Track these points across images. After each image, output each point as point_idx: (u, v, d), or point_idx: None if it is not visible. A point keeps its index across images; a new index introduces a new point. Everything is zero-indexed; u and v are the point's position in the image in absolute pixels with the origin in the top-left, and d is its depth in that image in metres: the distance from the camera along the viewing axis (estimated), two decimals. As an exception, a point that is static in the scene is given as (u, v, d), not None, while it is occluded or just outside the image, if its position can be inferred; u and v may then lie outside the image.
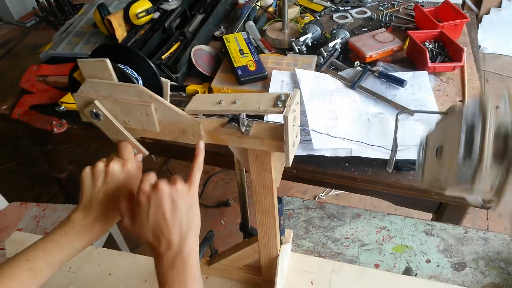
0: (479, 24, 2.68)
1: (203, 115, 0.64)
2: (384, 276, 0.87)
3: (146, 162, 2.23)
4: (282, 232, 0.85)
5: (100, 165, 0.60)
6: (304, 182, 1.18)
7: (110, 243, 1.52)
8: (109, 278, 0.94)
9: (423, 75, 1.16)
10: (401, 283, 0.85)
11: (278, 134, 0.58)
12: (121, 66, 0.67)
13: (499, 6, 2.67)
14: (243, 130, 0.60)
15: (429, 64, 1.16)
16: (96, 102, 0.58)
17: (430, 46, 1.25)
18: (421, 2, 1.54)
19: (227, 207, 1.97)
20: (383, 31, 1.34)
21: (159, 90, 0.73)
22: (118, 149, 0.63)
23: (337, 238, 0.97)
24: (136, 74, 0.69)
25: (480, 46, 2.73)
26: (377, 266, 0.92)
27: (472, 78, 1.21)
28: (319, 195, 2.00)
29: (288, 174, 1.09)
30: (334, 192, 2.02)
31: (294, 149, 0.61)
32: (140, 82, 0.70)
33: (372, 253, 0.94)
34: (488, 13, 2.65)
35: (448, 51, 1.23)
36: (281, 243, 0.85)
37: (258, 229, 0.76)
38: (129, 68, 0.69)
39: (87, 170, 0.60)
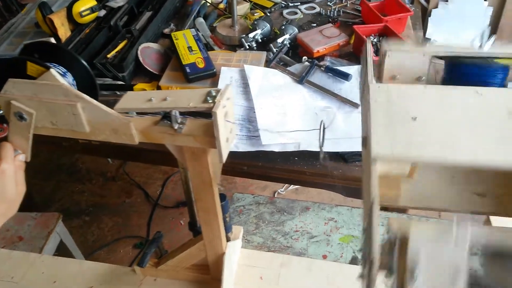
0: (429, 18, 2.77)
1: (137, 113, 0.63)
2: (331, 266, 0.89)
3: (103, 165, 2.18)
4: (229, 229, 0.85)
5: None
6: (256, 178, 1.18)
7: (63, 251, 1.47)
8: (54, 286, 0.91)
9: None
10: (348, 273, 0.87)
11: (211, 130, 0.58)
12: (49, 64, 0.64)
13: (446, 0, 2.77)
14: (176, 128, 0.59)
15: (373, 58, 1.18)
16: (14, 102, 0.56)
17: (375, 40, 1.28)
18: (368, -3, 1.57)
19: (186, 207, 1.95)
20: (330, 26, 1.36)
21: (94, 90, 0.71)
22: None
23: (287, 232, 0.98)
24: (63, 72, 0.66)
25: (430, 39, 2.83)
26: (324, 257, 0.93)
27: (415, 70, 1.24)
28: (279, 191, 2.02)
29: (239, 171, 1.09)
30: (293, 186, 2.05)
31: (228, 144, 0.60)
32: (70, 80, 0.67)
33: (320, 244, 0.95)
34: (436, 6, 2.74)
35: (392, 45, 1.26)
36: (228, 240, 0.85)
37: (202, 228, 0.76)
38: (58, 67, 0.67)
39: None
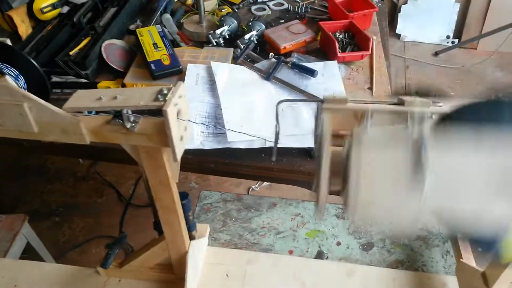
0: (399, 14, 2.82)
1: (88, 112, 0.62)
2: (297, 262, 0.89)
3: (73, 165, 2.14)
4: (192, 228, 0.84)
5: None
6: (224, 175, 1.18)
7: (32, 253, 1.44)
8: (14, 290, 0.88)
9: (333, 64, 1.19)
10: (313, 267, 0.88)
11: (164, 129, 0.57)
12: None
13: (416, -5, 2.82)
14: (128, 127, 0.58)
15: (339, 54, 1.19)
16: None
17: (341, 36, 1.29)
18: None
19: (159, 205, 1.93)
20: (296, 22, 1.36)
21: (45, 90, 0.69)
22: None
23: (254, 229, 0.98)
24: (16, 74, 0.64)
25: (400, 35, 2.88)
26: (291, 252, 0.94)
27: (381, 65, 1.26)
28: (253, 187, 2.01)
29: (207, 168, 1.08)
30: (267, 183, 2.05)
31: (183, 143, 0.60)
32: (22, 83, 0.65)
33: (286, 240, 0.95)
34: (406, 2, 2.79)
35: (357, 41, 1.27)
36: (192, 239, 0.84)
37: (163, 227, 0.75)
38: (8, 67, 0.65)
39: None
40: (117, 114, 0.58)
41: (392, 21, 2.87)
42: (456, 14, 2.68)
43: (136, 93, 0.57)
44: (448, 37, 2.77)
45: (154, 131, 0.57)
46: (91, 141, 0.59)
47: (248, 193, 2.02)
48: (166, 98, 0.54)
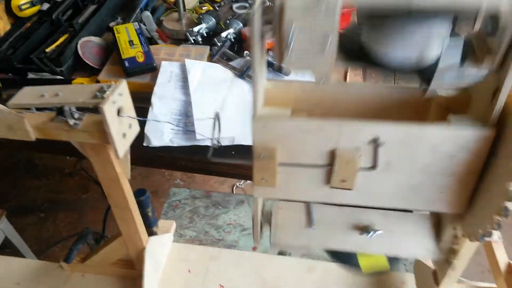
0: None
1: (36, 109, 0.62)
2: (259, 258, 0.90)
3: (60, 162, 2.15)
4: (153, 224, 0.85)
5: None
6: (195, 172, 1.19)
7: (12, 248, 1.45)
8: (-22, 284, 0.90)
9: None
10: (274, 263, 0.88)
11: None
12: None
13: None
14: (71, 123, 0.59)
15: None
16: None
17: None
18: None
19: (143, 202, 1.94)
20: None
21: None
22: None
23: (220, 225, 0.99)
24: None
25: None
26: (254, 249, 0.94)
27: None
28: (237, 184, 2.02)
29: (179, 165, 1.09)
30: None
31: (127, 140, 0.60)
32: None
33: (251, 237, 0.96)
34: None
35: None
36: (153, 234, 0.85)
37: (118, 223, 0.76)
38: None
39: None
40: (60, 111, 0.59)
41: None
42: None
43: (78, 90, 0.58)
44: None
45: (95, 128, 0.58)
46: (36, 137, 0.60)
47: (233, 191, 2.03)
48: (104, 96, 0.55)
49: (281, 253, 0.92)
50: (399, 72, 0.48)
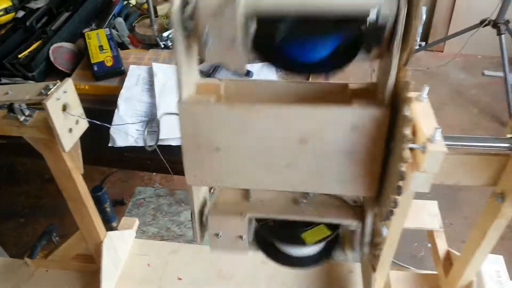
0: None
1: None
2: (217, 252, 0.93)
3: (41, 167, 2.17)
4: (112, 219, 0.88)
5: None
6: (161, 172, 1.22)
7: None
8: None
9: (271, 66, 1.24)
10: (230, 256, 0.92)
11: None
12: None
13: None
14: (21, 120, 0.63)
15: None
16: None
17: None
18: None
19: (122, 205, 1.97)
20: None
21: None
22: None
23: (182, 222, 1.02)
24: None
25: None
26: (213, 243, 0.98)
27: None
28: (215, 187, 2.05)
29: (144, 166, 1.13)
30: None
31: (74, 135, 0.64)
32: None
33: (211, 232, 0.99)
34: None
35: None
36: (113, 230, 0.88)
37: (74, 217, 0.79)
38: None
39: None
40: (11, 108, 0.63)
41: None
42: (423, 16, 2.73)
43: (24, 89, 0.62)
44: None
45: (43, 123, 0.62)
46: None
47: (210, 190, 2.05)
48: (48, 93, 0.59)
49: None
50: (311, 72, 0.53)
